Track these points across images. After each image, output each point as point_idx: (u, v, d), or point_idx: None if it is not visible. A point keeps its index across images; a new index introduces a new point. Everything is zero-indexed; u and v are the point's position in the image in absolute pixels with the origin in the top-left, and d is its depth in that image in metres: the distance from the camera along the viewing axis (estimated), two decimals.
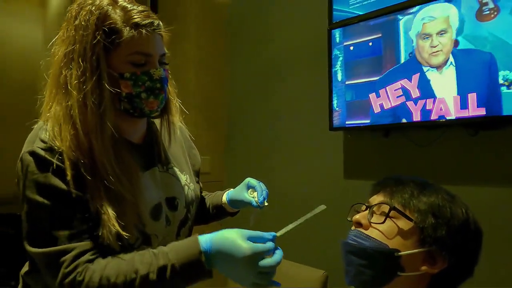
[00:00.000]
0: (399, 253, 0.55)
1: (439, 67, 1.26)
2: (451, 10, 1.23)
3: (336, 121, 1.54)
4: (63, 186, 0.62)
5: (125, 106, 0.69)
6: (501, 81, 1.12)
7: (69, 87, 0.64)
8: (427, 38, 1.29)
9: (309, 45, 1.77)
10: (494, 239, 0.81)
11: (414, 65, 1.31)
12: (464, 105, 1.19)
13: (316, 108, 1.71)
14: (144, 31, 0.66)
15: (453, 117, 1.22)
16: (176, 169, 0.80)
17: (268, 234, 0.64)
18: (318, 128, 1.69)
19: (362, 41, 1.47)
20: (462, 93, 1.20)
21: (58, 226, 0.61)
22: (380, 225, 0.57)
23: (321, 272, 1.24)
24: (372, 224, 0.59)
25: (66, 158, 0.62)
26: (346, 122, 1.50)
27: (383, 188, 0.63)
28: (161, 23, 0.71)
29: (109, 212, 0.62)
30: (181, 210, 0.77)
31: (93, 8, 0.66)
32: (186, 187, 0.80)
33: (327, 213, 1.63)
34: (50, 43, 0.78)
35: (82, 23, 0.65)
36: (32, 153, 0.63)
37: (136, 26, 0.66)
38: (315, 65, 1.72)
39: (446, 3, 1.24)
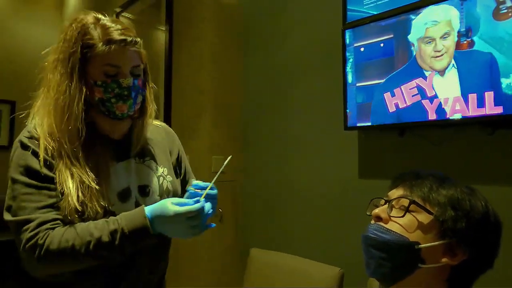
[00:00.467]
0: (420, 246, 0.56)
1: (441, 71, 1.27)
2: (452, 12, 1.24)
3: (350, 121, 1.55)
4: (37, 166, 0.76)
5: (100, 109, 0.82)
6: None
7: (50, 88, 0.80)
8: (430, 42, 1.30)
9: (323, 45, 1.78)
10: (510, 239, 0.81)
11: (414, 68, 1.32)
12: (481, 103, 1.19)
13: (330, 108, 1.73)
14: (115, 46, 0.78)
15: (469, 115, 1.22)
16: (153, 162, 0.91)
17: (192, 201, 0.77)
18: (333, 127, 1.70)
19: (373, 42, 1.48)
20: (466, 96, 1.21)
21: (28, 199, 0.75)
22: (400, 218, 0.59)
23: (337, 269, 1.25)
24: (392, 218, 0.60)
25: (41, 143, 0.77)
26: (358, 124, 1.51)
27: (402, 182, 0.64)
28: (137, 39, 0.83)
29: (71, 190, 0.74)
30: (154, 198, 0.88)
31: (79, 25, 0.80)
32: (161, 178, 0.91)
33: (342, 211, 1.65)
34: (44, 51, 0.89)
35: (67, 37, 0.80)
36: (19, 141, 0.79)
37: (109, 42, 0.78)
38: (329, 65, 1.73)
39: (456, 1, 1.24)
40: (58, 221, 0.75)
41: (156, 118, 0.98)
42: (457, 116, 1.24)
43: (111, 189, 0.82)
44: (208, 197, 0.82)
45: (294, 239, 1.85)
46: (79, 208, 0.74)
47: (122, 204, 0.83)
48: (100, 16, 0.82)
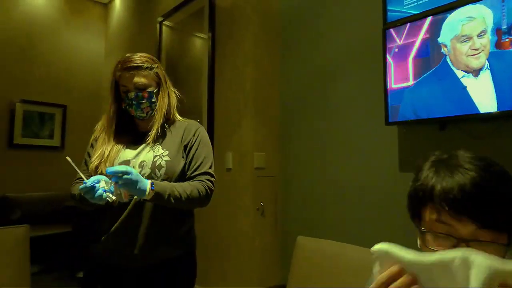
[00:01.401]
0: None
1: (476, 70, 1.31)
2: (485, 10, 1.28)
3: (393, 116, 1.61)
4: (90, 147, 1.24)
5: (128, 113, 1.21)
6: None
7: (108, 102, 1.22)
8: (466, 42, 1.34)
9: (363, 45, 1.86)
10: None
11: (446, 72, 1.37)
12: (506, 101, 1.23)
13: (371, 105, 1.80)
14: (122, 73, 1.14)
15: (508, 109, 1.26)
16: (159, 146, 1.17)
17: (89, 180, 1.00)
18: (373, 123, 1.77)
19: (409, 42, 1.54)
20: (501, 98, 1.25)
21: (83, 163, 1.22)
22: None
23: None
24: None
25: (94, 134, 1.23)
26: (398, 119, 1.57)
27: (464, 209, 0.57)
28: (143, 65, 1.15)
29: (94, 158, 1.15)
30: (146, 169, 1.13)
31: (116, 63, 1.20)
32: (157, 157, 1.15)
33: (384, 204, 1.71)
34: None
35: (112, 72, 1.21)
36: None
37: (121, 70, 1.15)
38: (369, 64, 1.81)
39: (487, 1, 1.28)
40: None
41: (199, 117, 1.21)
42: (494, 109, 1.28)
43: (118, 159, 1.16)
44: (119, 178, 0.99)
45: (334, 231, 1.92)
46: (93, 168, 1.13)
47: None
48: (129, 54, 1.18)
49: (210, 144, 1.27)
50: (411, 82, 1.54)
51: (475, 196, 0.57)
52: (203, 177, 1.17)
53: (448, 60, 1.41)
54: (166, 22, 3.14)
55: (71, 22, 4.09)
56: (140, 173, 1.09)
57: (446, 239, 0.58)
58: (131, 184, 0.97)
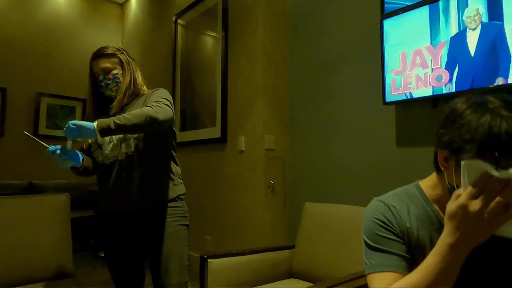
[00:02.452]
0: None
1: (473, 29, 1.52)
2: None
3: (390, 96, 1.80)
4: None
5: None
6: None
7: None
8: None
9: (364, 34, 2.06)
10: None
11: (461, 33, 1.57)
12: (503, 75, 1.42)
13: (369, 87, 1.99)
14: (93, 61, 1.39)
15: (502, 83, 1.44)
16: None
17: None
18: (372, 103, 1.97)
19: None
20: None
21: None
22: None
23: None
24: None
25: None
26: (394, 99, 1.77)
27: None
28: (107, 52, 1.39)
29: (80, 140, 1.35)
30: (114, 140, 1.35)
31: None
32: None
33: (383, 175, 1.90)
34: None
35: None
36: None
37: (92, 59, 1.40)
38: (369, 51, 2.00)
39: None
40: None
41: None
42: (491, 84, 1.47)
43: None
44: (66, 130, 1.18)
45: (338, 201, 2.12)
46: (87, 143, 1.40)
47: (102, 139, 1.37)
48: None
49: (168, 94, 1.41)
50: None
51: None
52: (151, 103, 1.29)
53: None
54: (180, 21, 3.36)
55: (89, 21, 4.35)
56: (109, 143, 1.34)
57: None
58: (78, 128, 1.14)
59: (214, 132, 2.77)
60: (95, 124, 1.16)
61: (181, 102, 3.27)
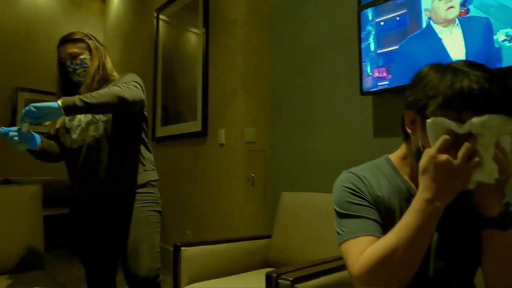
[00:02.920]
0: None
1: (450, 23, 1.53)
2: None
3: (368, 85, 1.82)
4: None
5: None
6: (503, 38, 1.37)
7: None
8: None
9: (342, 25, 2.07)
10: None
11: (428, 31, 1.59)
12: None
13: (348, 78, 2.01)
14: (60, 47, 1.39)
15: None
16: None
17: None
18: (350, 94, 1.98)
19: (391, 17, 1.75)
20: (469, 49, 1.47)
21: None
22: None
23: None
24: None
25: None
26: (378, 84, 1.78)
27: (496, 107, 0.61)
28: (74, 37, 1.39)
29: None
30: (88, 116, 1.34)
31: None
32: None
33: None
34: None
35: None
36: None
37: (59, 45, 1.40)
38: (347, 42, 2.02)
39: None
40: None
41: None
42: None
43: (60, 124, 1.39)
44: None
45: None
46: (54, 128, 1.38)
47: (70, 123, 1.36)
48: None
49: (138, 78, 1.37)
50: (390, 49, 1.75)
51: (508, 91, 0.64)
52: (119, 84, 1.26)
53: (431, 22, 1.61)
54: (161, 16, 3.33)
55: (70, 16, 4.27)
56: (77, 127, 1.32)
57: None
58: (41, 110, 1.09)
59: (195, 125, 2.75)
60: (59, 101, 1.11)
61: (163, 97, 3.24)
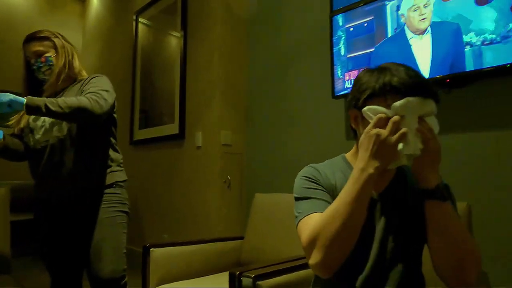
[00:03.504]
0: None
1: (421, 32, 1.59)
2: None
3: (339, 88, 1.86)
4: None
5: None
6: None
7: None
8: (416, 10, 1.63)
9: (315, 31, 2.12)
10: None
11: (401, 36, 1.65)
12: (437, 67, 1.50)
13: (321, 82, 2.05)
14: (24, 46, 1.37)
15: (429, 77, 1.53)
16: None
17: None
18: (323, 98, 2.02)
19: (359, 23, 1.81)
20: (436, 55, 1.52)
21: None
22: None
23: None
24: None
25: None
26: (348, 87, 1.82)
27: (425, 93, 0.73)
28: (40, 35, 1.37)
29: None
30: (46, 125, 1.32)
31: None
32: None
33: None
34: None
35: None
36: None
37: (24, 44, 1.38)
38: (319, 48, 2.06)
39: None
40: None
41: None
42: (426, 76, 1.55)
43: (25, 124, 1.38)
44: None
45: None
46: (18, 128, 1.37)
47: (35, 123, 1.35)
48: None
49: (108, 81, 1.35)
50: (359, 53, 1.80)
51: (422, 79, 0.77)
52: (89, 95, 1.23)
53: (405, 27, 1.67)
54: (141, 19, 3.32)
55: (48, 17, 4.20)
56: (41, 127, 1.31)
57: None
58: (9, 103, 1.10)
59: (172, 128, 2.74)
60: (25, 99, 1.11)
61: (141, 100, 3.22)
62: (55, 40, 1.38)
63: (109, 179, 1.33)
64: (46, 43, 1.36)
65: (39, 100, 1.13)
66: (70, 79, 1.38)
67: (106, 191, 1.32)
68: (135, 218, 3.21)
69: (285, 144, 2.25)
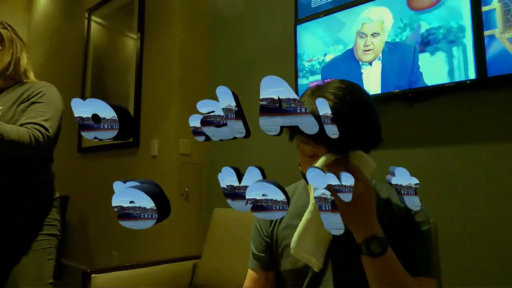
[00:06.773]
0: None
1: (369, 63, 1.56)
2: (386, 16, 1.53)
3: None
4: None
5: None
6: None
7: None
8: (363, 37, 1.59)
9: (281, 39, 2.06)
10: None
11: (351, 58, 1.62)
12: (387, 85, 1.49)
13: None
14: None
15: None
16: None
17: None
18: None
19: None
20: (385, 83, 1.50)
21: None
22: None
23: None
24: None
25: None
26: None
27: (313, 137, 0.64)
28: None
29: None
30: None
31: None
32: None
33: (296, 179, 1.87)
34: None
35: None
36: None
37: None
38: (284, 55, 2.00)
39: (383, 7, 1.54)
40: None
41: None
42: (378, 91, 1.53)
43: None
44: None
45: None
46: None
47: None
48: None
49: (57, 104, 1.22)
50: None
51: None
52: (31, 126, 1.11)
53: (353, 50, 1.63)
54: (94, 18, 3.09)
55: None
56: None
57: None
58: None
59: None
60: None
61: None
62: (3, 31, 1.20)
63: (39, 198, 1.15)
64: None
65: None
66: (13, 79, 1.20)
67: (33, 211, 1.13)
68: (82, 234, 2.93)
69: (248, 155, 2.15)
